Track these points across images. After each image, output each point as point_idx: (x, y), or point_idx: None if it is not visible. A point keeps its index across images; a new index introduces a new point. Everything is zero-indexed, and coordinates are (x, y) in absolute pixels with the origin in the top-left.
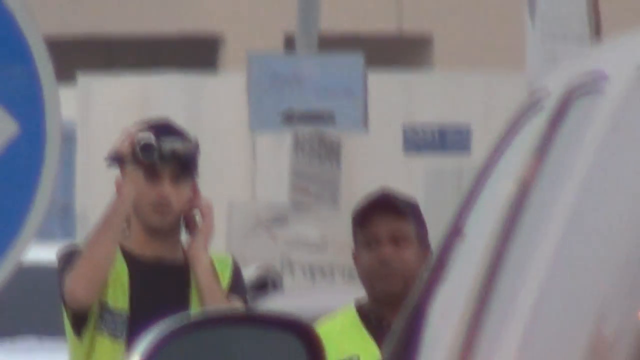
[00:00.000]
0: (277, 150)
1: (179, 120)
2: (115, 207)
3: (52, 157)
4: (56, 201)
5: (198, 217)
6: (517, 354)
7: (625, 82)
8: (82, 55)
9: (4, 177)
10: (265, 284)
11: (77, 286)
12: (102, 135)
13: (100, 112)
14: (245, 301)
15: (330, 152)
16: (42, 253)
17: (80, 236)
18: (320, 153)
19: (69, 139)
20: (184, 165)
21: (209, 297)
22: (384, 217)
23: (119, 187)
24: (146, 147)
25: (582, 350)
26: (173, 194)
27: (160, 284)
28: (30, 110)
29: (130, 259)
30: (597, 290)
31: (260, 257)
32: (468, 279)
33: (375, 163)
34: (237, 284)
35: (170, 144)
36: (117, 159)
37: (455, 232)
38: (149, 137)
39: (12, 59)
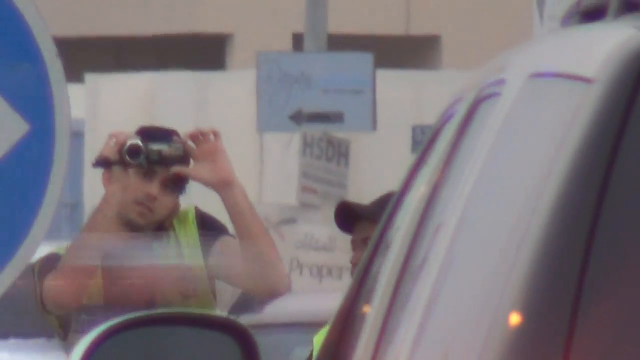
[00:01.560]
0: (285, 150)
1: (187, 118)
2: (101, 209)
3: (61, 155)
4: (64, 200)
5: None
6: (411, 352)
7: (517, 88)
8: (90, 54)
9: (13, 176)
10: None
11: (62, 291)
12: (109, 132)
13: (108, 111)
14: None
15: (339, 152)
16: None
17: None
18: (328, 153)
19: (76, 137)
20: (174, 175)
21: (245, 218)
22: (362, 222)
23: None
24: (133, 150)
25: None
26: (161, 197)
27: (130, 271)
28: (40, 110)
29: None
30: (480, 288)
31: None
32: (384, 277)
33: (384, 163)
34: (212, 226)
35: (157, 147)
36: (104, 163)
37: (383, 234)
38: (136, 140)
39: (21, 59)
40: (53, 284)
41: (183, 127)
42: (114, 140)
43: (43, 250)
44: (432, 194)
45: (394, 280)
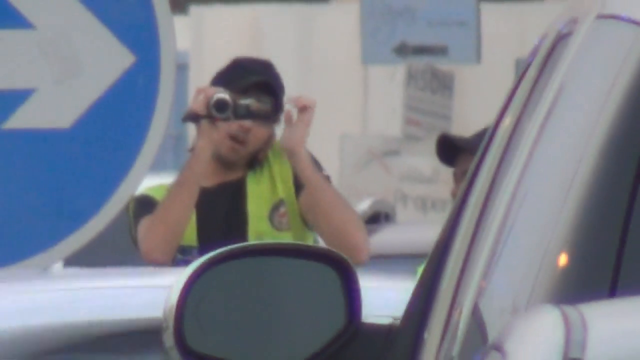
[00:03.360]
0: (389, 82)
1: (290, 50)
2: (191, 166)
3: (167, 87)
4: (169, 132)
5: (271, 154)
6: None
7: (585, 28)
8: None
9: (119, 108)
10: (379, 217)
11: (152, 247)
12: (214, 64)
13: (212, 43)
14: (328, 178)
15: (443, 84)
16: (155, 184)
17: None
18: (432, 86)
19: (181, 69)
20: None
21: (314, 190)
22: (468, 154)
23: (194, 146)
24: (220, 104)
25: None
26: (255, 129)
27: (222, 207)
28: (146, 41)
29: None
30: (535, 227)
31: (372, 190)
32: (470, 209)
33: (488, 95)
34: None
35: (245, 102)
36: (192, 118)
37: (478, 168)
38: (224, 94)
39: None
40: (146, 239)
41: (287, 59)
42: (202, 94)
43: (148, 181)
44: (512, 131)
45: (478, 212)
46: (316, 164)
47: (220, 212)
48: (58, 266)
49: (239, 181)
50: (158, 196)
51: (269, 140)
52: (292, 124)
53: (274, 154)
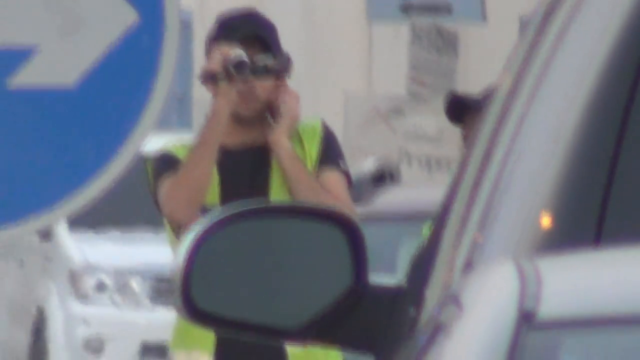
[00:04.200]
0: (394, 41)
1: (296, 8)
2: (210, 126)
3: (171, 46)
4: (174, 91)
5: (283, 107)
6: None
7: None
8: None
9: (123, 66)
10: (383, 176)
11: (176, 208)
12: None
13: (216, 1)
14: (339, 168)
15: (448, 43)
16: (160, 143)
17: (197, 126)
18: (437, 45)
19: (185, 28)
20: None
21: (294, 182)
22: (476, 115)
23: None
24: (239, 64)
25: None
26: (259, 83)
27: (246, 170)
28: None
29: (219, 151)
30: (521, 183)
31: (377, 148)
32: (475, 156)
33: (493, 55)
34: (327, 152)
35: (262, 60)
36: (209, 77)
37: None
38: (241, 54)
39: None
40: (169, 200)
41: (291, 16)
42: (219, 54)
43: (153, 141)
44: (510, 91)
45: (476, 172)
46: (340, 154)
47: (244, 175)
48: (63, 228)
49: (264, 147)
50: (180, 154)
51: (278, 89)
52: (279, 117)
53: (304, 130)
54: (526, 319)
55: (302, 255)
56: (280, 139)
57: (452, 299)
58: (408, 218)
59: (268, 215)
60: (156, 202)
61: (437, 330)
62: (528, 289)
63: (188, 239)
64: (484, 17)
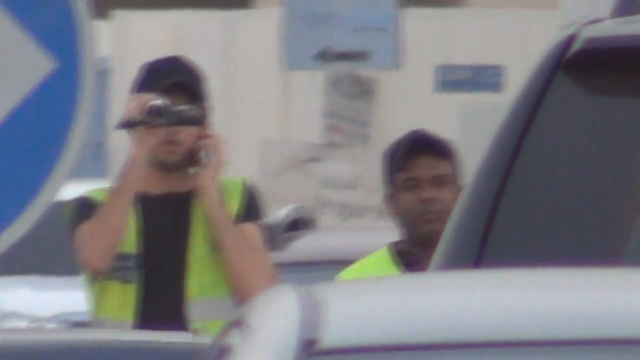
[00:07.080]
0: (310, 88)
1: (214, 56)
2: (127, 173)
3: (87, 94)
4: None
5: (204, 154)
6: None
7: None
8: None
9: (38, 115)
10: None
11: (90, 255)
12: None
13: (135, 48)
14: (260, 225)
15: (364, 90)
16: (74, 192)
17: (113, 175)
18: (353, 92)
19: (102, 76)
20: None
21: (217, 229)
22: (425, 159)
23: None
24: (155, 110)
25: None
26: (183, 132)
27: (167, 218)
28: (66, 47)
29: (138, 198)
30: None
31: (292, 195)
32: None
33: (410, 102)
34: (249, 208)
35: (184, 108)
36: (128, 124)
37: None
38: (158, 100)
39: None
40: (84, 246)
41: (209, 65)
42: (136, 101)
43: (68, 190)
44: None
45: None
46: (260, 212)
47: (165, 222)
48: None
49: (187, 194)
50: (100, 198)
51: (200, 136)
52: (205, 164)
53: (226, 186)
54: (307, 346)
55: None
56: (207, 184)
57: (237, 324)
58: (322, 264)
59: None
60: (73, 248)
61: (223, 353)
62: (308, 316)
63: None
64: (399, 64)
